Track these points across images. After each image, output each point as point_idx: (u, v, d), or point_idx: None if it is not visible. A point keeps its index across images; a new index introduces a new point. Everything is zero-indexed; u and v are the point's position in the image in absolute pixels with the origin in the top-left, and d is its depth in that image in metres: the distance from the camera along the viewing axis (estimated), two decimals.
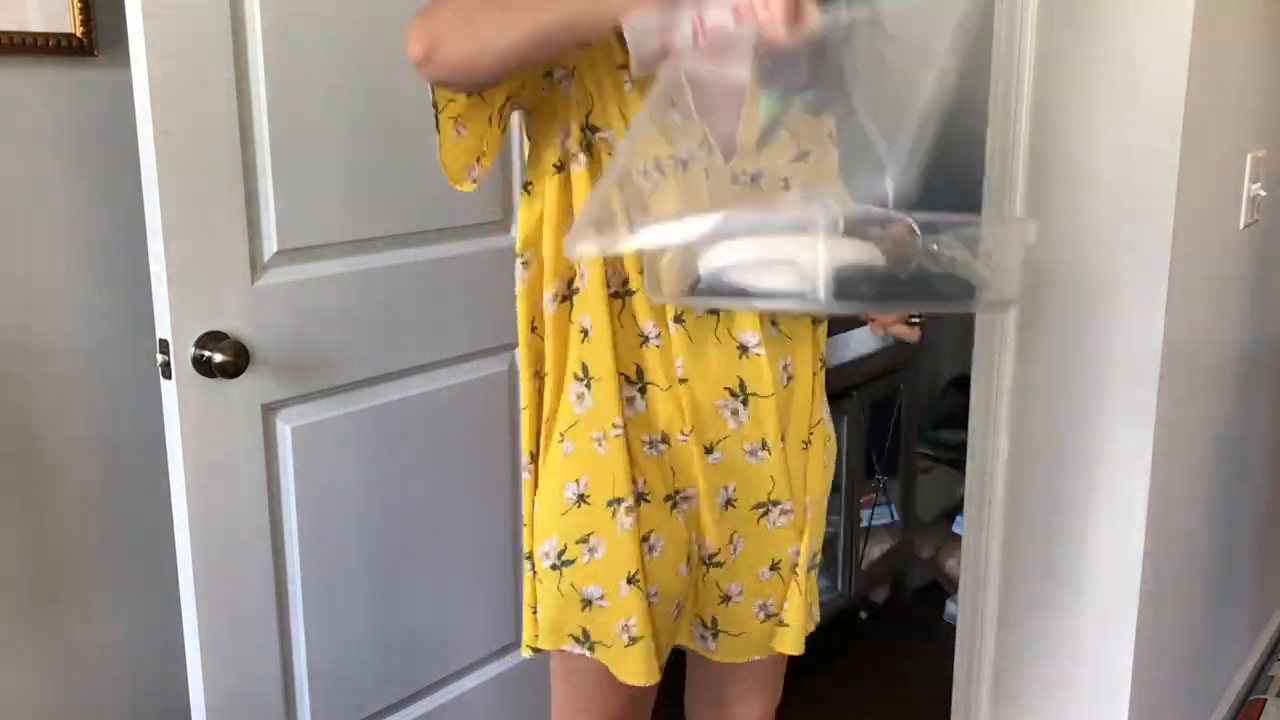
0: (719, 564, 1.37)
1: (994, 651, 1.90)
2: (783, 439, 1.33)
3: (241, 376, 1.55)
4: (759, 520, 1.36)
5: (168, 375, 1.51)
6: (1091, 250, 1.68)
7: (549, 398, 1.30)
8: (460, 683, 2.00)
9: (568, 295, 1.28)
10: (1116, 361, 1.68)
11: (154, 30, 1.41)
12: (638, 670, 1.30)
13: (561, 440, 1.30)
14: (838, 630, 2.76)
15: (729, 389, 1.29)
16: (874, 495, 2.88)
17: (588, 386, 1.28)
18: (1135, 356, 1.66)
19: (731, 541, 1.36)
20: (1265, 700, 2.49)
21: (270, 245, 1.60)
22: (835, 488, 2.47)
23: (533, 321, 1.30)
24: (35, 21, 1.54)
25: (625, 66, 1.20)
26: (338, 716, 1.82)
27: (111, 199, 1.64)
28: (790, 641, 1.42)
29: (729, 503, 1.34)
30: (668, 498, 1.32)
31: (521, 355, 1.31)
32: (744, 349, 1.28)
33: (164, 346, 1.50)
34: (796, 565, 1.39)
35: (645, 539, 1.30)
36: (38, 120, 1.57)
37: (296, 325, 1.64)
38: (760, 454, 1.32)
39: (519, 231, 1.30)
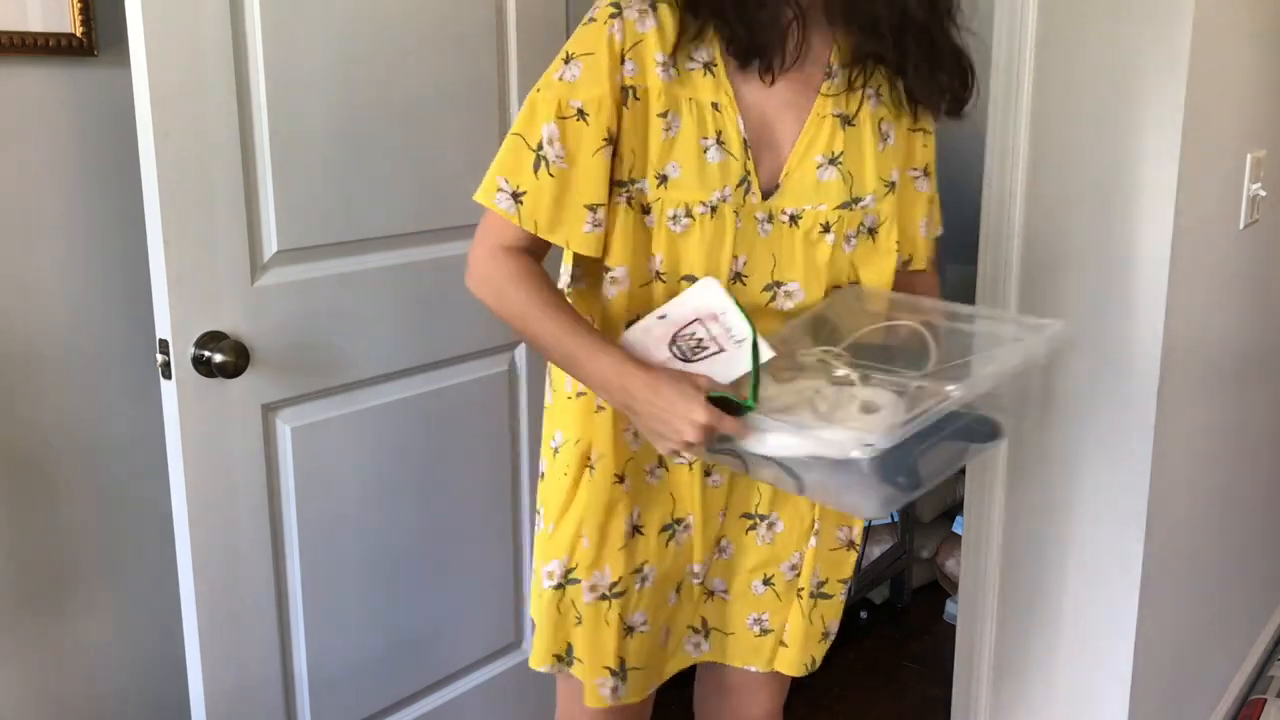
0: (704, 574, 1.40)
1: (994, 651, 1.89)
2: None
3: (241, 376, 1.55)
4: (747, 531, 1.38)
5: (168, 375, 1.51)
6: (1091, 250, 1.68)
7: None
8: (460, 683, 2.00)
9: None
10: (1117, 361, 1.68)
11: (154, 30, 1.41)
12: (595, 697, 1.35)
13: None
14: (838, 630, 2.76)
15: None
16: None
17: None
18: (1135, 356, 1.66)
19: (719, 544, 1.38)
20: (1265, 700, 2.49)
21: (270, 245, 1.60)
22: None
23: None
24: (35, 21, 1.54)
25: (664, 114, 1.22)
26: (338, 716, 1.82)
27: (111, 199, 1.64)
28: (789, 662, 1.44)
29: (722, 512, 1.37)
30: (665, 528, 1.34)
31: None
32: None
33: (164, 346, 1.50)
34: (799, 587, 1.40)
35: (639, 570, 1.33)
36: (38, 120, 1.57)
37: (296, 325, 1.64)
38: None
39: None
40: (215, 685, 1.62)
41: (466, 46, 1.82)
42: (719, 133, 1.21)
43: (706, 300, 1.20)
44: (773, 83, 1.23)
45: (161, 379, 1.52)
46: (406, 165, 1.76)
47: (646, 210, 1.24)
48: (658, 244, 1.24)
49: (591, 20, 1.19)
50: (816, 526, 1.38)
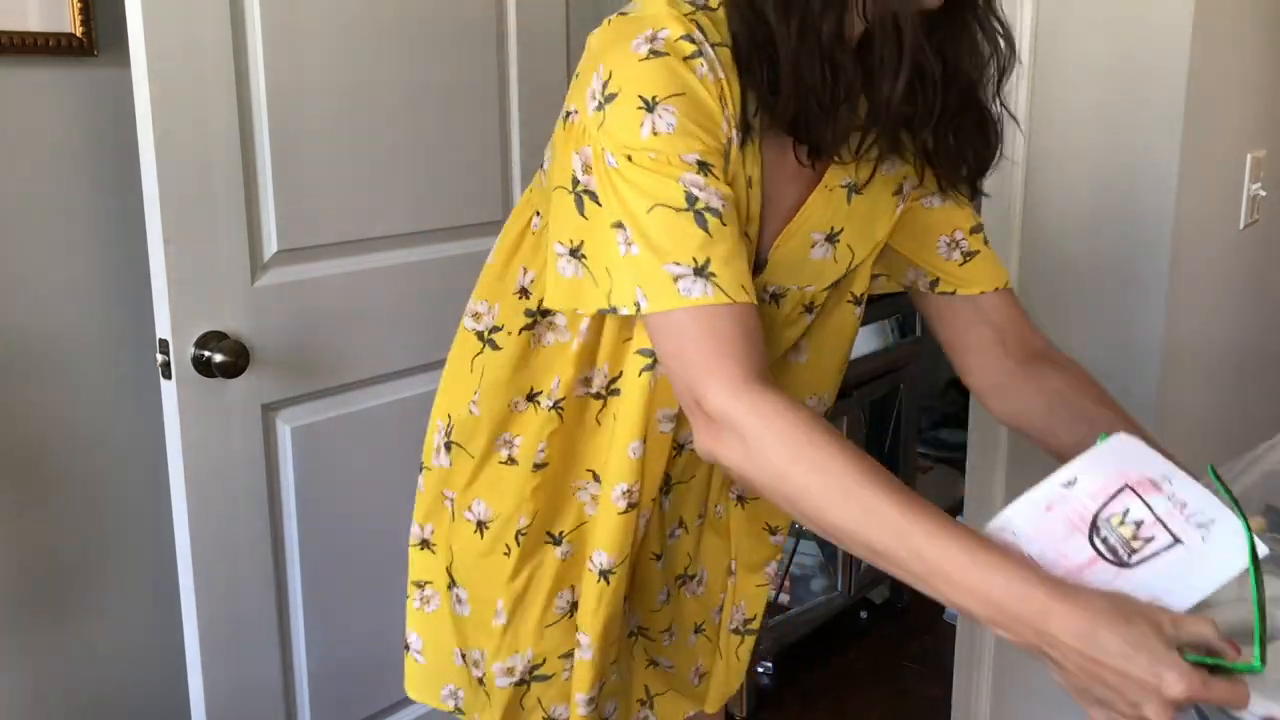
0: (649, 628, 1.25)
1: (994, 651, 1.89)
2: (699, 517, 1.23)
3: (241, 376, 1.55)
4: (680, 588, 1.26)
5: (168, 375, 1.51)
6: (1091, 250, 1.68)
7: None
8: None
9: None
10: (1117, 361, 1.68)
11: (154, 30, 1.41)
12: None
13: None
14: (838, 630, 2.76)
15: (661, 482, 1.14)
16: None
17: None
18: (1135, 356, 1.66)
19: (665, 591, 1.25)
20: None
21: (270, 245, 1.60)
22: None
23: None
24: (35, 21, 1.54)
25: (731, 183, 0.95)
26: (338, 716, 1.82)
27: (111, 199, 1.64)
28: (709, 698, 1.31)
29: (658, 559, 1.22)
30: (603, 574, 1.12)
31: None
32: (680, 447, 1.12)
33: (164, 346, 1.50)
34: (728, 626, 1.32)
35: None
36: (38, 120, 1.57)
37: (296, 325, 1.64)
38: (678, 532, 1.22)
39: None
40: (215, 685, 1.62)
41: (466, 46, 1.82)
42: (748, 212, 0.97)
43: (1135, 458, 0.82)
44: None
45: (161, 379, 1.52)
46: (406, 165, 1.76)
47: None
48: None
49: (656, 54, 0.88)
50: (733, 567, 1.27)
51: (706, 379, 0.86)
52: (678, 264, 0.86)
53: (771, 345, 1.04)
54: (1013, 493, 1.82)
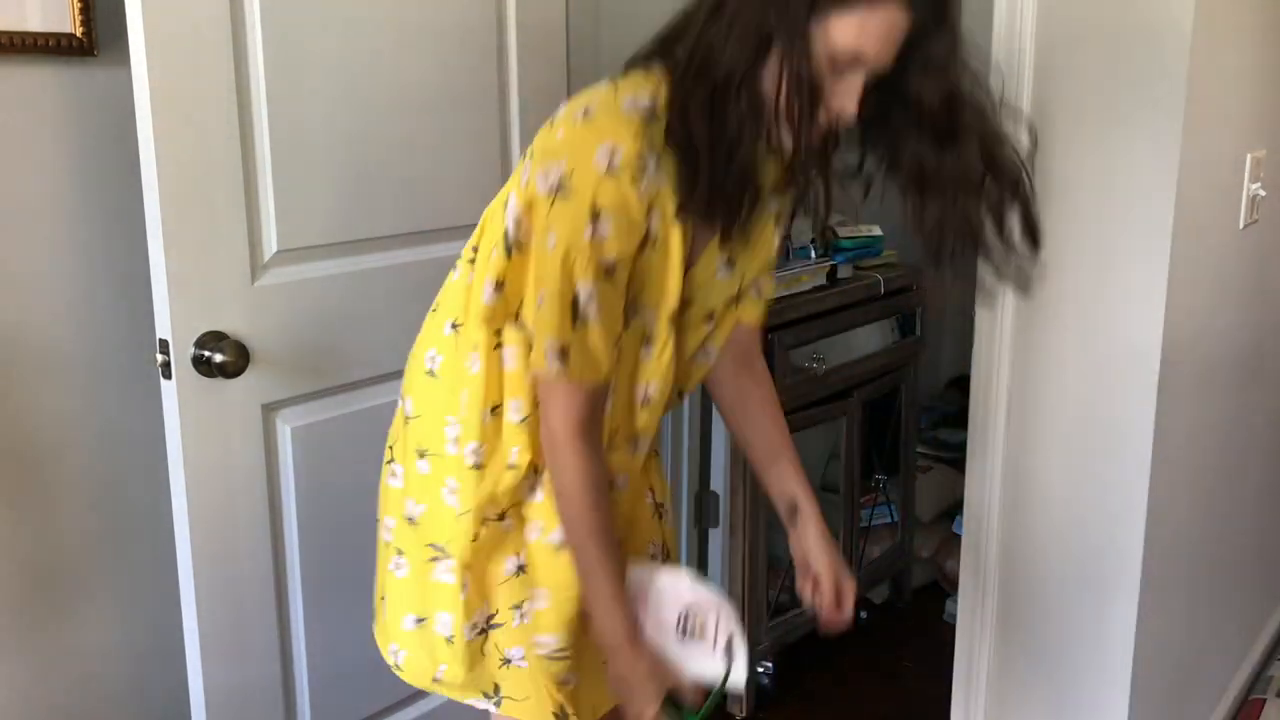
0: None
1: (994, 651, 1.89)
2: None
3: (241, 376, 1.55)
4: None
5: (168, 375, 1.51)
6: (1091, 250, 1.68)
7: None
8: None
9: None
10: (1116, 361, 1.68)
11: (154, 30, 1.41)
12: None
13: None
14: (838, 630, 2.76)
15: None
16: (874, 495, 2.87)
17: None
18: (1135, 356, 1.66)
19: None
20: (1265, 700, 2.49)
21: (270, 245, 1.60)
22: (834, 488, 2.47)
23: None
24: (35, 21, 1.54)
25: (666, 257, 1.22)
26: (338, 716, 1.82)
27: (111, 199, 1.64)
28: None
29: None
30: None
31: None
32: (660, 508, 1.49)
33: (164, 346, 1.50)
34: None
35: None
36: (38, 120, 1.57)
37: (296, 325, 1.64)
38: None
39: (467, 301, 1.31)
40: (215, 685, 1.62)
41: (466, 47, 1.82)
42: (668, 263, 1.22)
43: (730, 608, 1.32)
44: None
45: (161, 379, 1.52)
46: (406, 165, 1.76)
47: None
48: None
49: (611, 171, 1.11)
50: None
51: (557, 422, 1.22)
52: (553, 342, 1.17)
53: (683, 347, 1.32)
54: (1012, 493, 1.82)
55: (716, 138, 1.12)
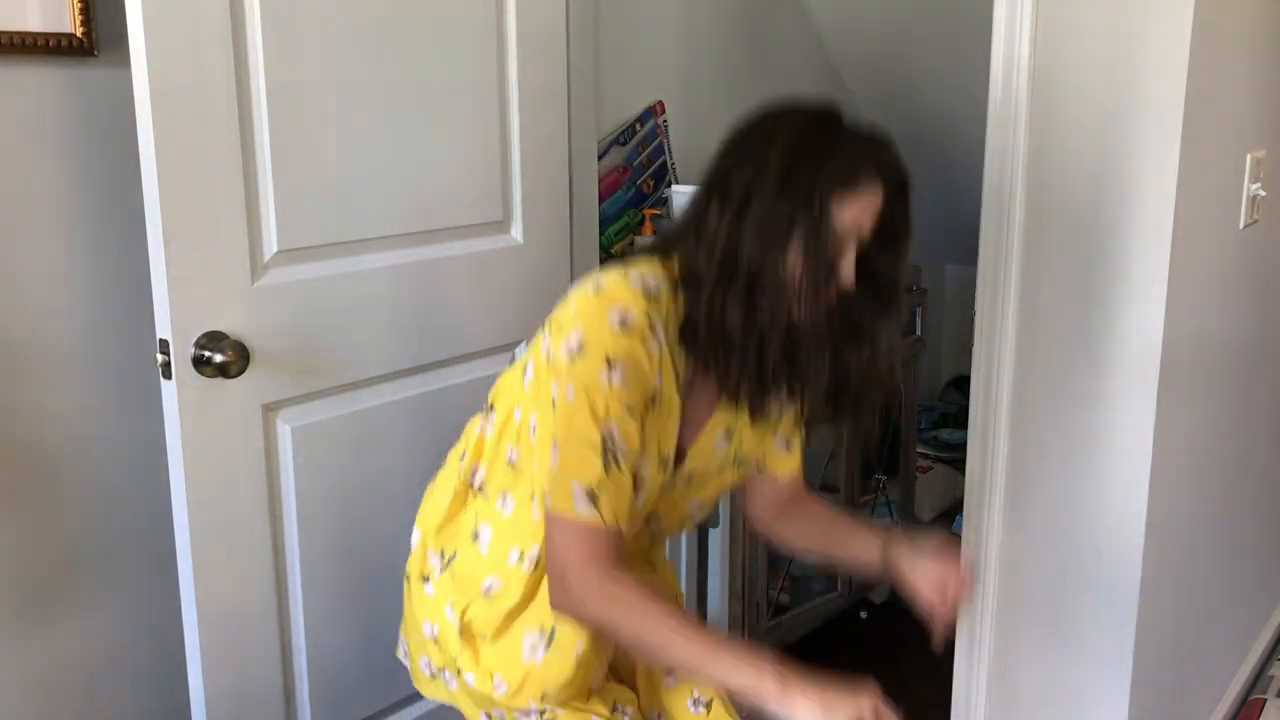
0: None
1: (994, 651, 1.89)
2: None
3: (241, 376, 1.55)
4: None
5: (168, 375, 1.51)
6: (1091, 250, 1.68)
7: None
8: None
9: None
10: (1116, 361, 1.68)
11: (154, 30, 1.41)
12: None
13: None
14: (838, 630, 2.76)
15: None
16: (874, 495, 2.88)
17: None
18: (1135, 356, 1.66)
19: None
20: (1265, 700, 2.49)
21: (270, 245, 1.60)
22: (834, 488, 2.47)
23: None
24: (35, 21, 1.54)
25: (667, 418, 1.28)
26: (338, 716, 1.82)
27: (111, 199, 1.64)
28: None
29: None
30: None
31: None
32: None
33: (164, 346, 1.50)
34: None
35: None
36: (38, 120, 1.57)
37: (296, 325, 1.64)
38: None
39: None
40: (215, 685, 1.62)
41: (466, 46, 1.82)
42: (666, 428, 1.28)
43: None
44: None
45: (161, 379, 1.52)
46: (407, 165, 1.76)
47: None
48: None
49: (625, 328, 1.19)
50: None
51: (576, 561, 1.22)
52: (580, 485, 1.19)
53: (680, 501, 1.39)
54: (1013, 492, 1.82)
55: (750, 323, 1.20)
